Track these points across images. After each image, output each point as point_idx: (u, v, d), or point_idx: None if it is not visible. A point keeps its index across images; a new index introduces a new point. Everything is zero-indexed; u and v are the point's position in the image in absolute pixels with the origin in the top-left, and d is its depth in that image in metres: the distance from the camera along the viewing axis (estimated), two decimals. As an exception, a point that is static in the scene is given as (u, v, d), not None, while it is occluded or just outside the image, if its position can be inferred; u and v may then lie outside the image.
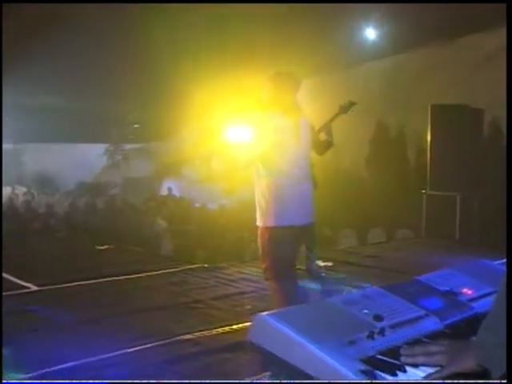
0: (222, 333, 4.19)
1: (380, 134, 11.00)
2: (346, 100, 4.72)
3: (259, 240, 3.79)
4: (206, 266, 6.28)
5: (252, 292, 5.18)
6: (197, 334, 4.10)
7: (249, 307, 4.62)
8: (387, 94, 10.75)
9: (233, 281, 5.61)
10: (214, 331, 4.21)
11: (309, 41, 10.10)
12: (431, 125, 7.86)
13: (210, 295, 5.13)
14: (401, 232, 8.91)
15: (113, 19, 9.43)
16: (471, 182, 7.70)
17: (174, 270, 6.11)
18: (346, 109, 4.72)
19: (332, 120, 4.51)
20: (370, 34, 10.75)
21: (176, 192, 13.81)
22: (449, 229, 7.62)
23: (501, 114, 8.13)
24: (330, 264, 6.38)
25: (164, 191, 14.03)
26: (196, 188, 13.71)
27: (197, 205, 12.39)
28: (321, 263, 6.55)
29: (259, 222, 3.75)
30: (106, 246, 7.24)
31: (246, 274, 5.82)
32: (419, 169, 10.33)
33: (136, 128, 15.51)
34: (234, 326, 4.24)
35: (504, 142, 8.35)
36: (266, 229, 3.70)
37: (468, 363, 1.38)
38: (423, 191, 8.07)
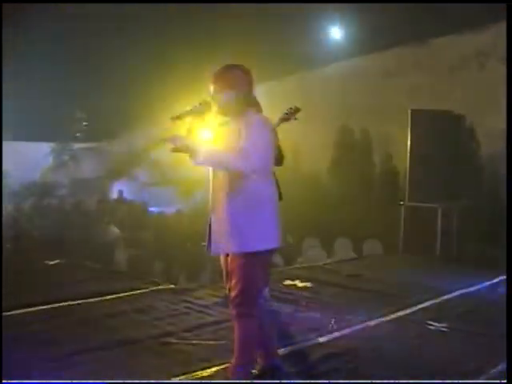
0: (202, 376, 3.60)
1: (343, 138, 10.56)
2: (292, 105, 4.26)
3: (229, 265, 3.20)
4: (173, 287, 5.63)
5: (227, 321, 4.56)
6: (175, 380, 3.49)
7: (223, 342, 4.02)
8: (352, 97, 10.33)
9: (206, 307, 4.97)
10: (193, 375, 3.61)
11: (269, 41, 9.64)
12: (411, 131, 7.41)
13: (183, 326, 4.45)
14: (370, 243, 8.48)
15: (61, 15, 8.90)
16: (452, 192, 7.31)
17: (137, 292, 5.42)
18: (290, 115, 4.24)
19: (276, 126, 3.94)
20: (336, 34, 10.33)
21: (127, 195, 13.05)
22: (429, 244, 7.21)
23: (478, 120, 7.78)
24: (309, 285, 5.85)
25: (114, 194, 13.24)
26: (149, 191, 13.02)
27: (151, 209, 11.70)
28: (299, 283, 6.03)
29: (230, 247, 3.15)
30: (56, 261, 6.45)
31: (218, 297, 5.20)
32: (386, 175, 9.97)
33: (85, 126, 14.60)
34: (214, 368, 3.65)
35: (481, 151, 8.02)
36: (244, 254, 3.13)
37: None
38: (401, 202, 7.61)
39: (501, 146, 7.89)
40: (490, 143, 7.92)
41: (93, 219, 10.26)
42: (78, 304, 4.95)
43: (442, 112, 7.36)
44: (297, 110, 4.20)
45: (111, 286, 5.54)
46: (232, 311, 3.27)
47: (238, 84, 3.23)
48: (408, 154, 7.51)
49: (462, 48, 8.83)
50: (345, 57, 10.30)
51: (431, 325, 4.55)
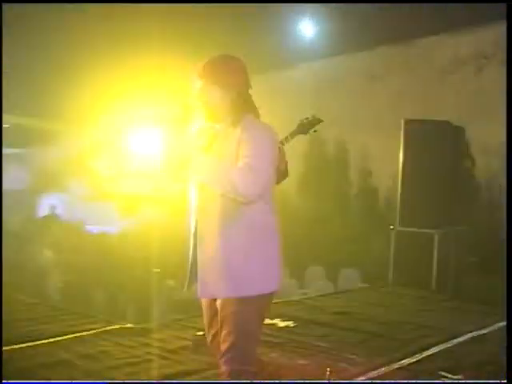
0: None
1: (315, 150, 10.30)
2: (309, 114, 3.91)
3: (220, 312, 2.80)
4: (129, 326, 5.11)
5: (201, 371, 4.12)
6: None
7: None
8: (325, 103, 10.07)
9: (172, 352, 4.50)
10: None
11: (234, 38, 9.32)
12: (404, 144, 7.14)
13: (145, 376, 4.02)
14: (347, 272, 8.18)
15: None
16: (450, 216, 7.05)
17: (82, 333, 4.88)
18: (307, 127, 3.91)
19: (286, 141, 3.71)
20: (307, 30, 10.05)
21: (61, 211, 12.38)
22: (423, 275, 6.92)
23: (473, 132, 7.57)
24: (291, 324, 5.46)
25: (45, 210, 12.54)
26: (87, 206, 12.41)
27: (89, 228, 11.12)
28: (279, 323, 5.62)
29: (225, 290, 2.76)
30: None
31: (185, 340, 4.75)
32: (365, 195, 9.72)
33: (6, 129, 13.82)
34: None
35: (476, 168, 7.82)
36: (241, 299, 2.74)
37: None
38: (391, 227, 7.30)
39: (498, 163, 7.77)
40: (487, 160, 7.74)
41: (20, 240, 9.61)
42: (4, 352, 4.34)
43: (439, 123, 7.11)
44: (316, 120, 3.86)
45: (48, 327, 5.00)
46: (222, 367, 2.81)
47: (236, 80, 2.83)
48: (400, 172, 7.23)
49: (457, 49, 8.66)
50: (321, 56, 10.02)
51: (445, 376, 4.21)
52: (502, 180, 7.54)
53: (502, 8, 7.33)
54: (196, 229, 2.84)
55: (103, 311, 6.38)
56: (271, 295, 2.87)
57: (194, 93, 2.83)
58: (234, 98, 2.80)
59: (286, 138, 3.81)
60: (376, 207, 9.49)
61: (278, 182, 4.41)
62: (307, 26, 9.79)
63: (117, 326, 5.12)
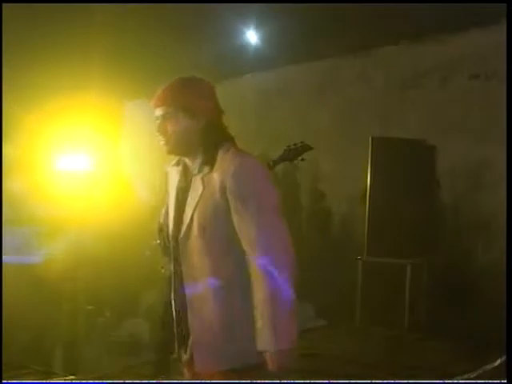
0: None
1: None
2: (296, 141, 3.94)
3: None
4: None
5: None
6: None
7: None
8: (273, 118, 9.91)
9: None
10: None
11: (165, 48, 9.06)
12: (372, 165, 7.01)
13: None
14: (300, 307, 7.93)
15: None
16: (422, 245, 6.95)
17: None
18: (294, 154, 3.94)
19: (271, 167, 3.76)
20: (251, 37, 9.85)
21: (-31, 238, 11.74)
22: (393, 311, 6.76)
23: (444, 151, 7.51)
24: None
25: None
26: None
27: (6, 259, 10.54)
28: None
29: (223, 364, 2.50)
30: None
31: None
32: (317, 220, 9.56)
33: None
34: None
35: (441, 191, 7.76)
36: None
37: None
38: (358, 257, 7.14)
39: (466, 186, 7.75)
40: (453, 181, 7.70)
41: None
42: None
43: (411, 142, 7.02)
44: (304, 147, 3.70)
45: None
46: None
47: (204, 105, 2.54)
48: (368, 194, 7.08)
49: (418, 60, 8.64)
50: (266, 67, 9.85)
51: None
52: (470, 203, 7.55)
53: (471, 16, 7.43)
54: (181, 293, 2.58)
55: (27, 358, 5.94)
56: None
57: (155, 124, 2.56)
58: (202, 126, 2.52)
59: (268, 164, 3.69)
60: (330, 232, 9.35)
61: None
62: (253, 35, 9.59)
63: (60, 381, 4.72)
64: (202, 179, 2.47)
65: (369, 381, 2.34)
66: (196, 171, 2.53)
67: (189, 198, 2.52)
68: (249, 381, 2.44)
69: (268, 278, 2.34)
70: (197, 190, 2.49)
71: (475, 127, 7.36)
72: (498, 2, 5.54)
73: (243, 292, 2.44)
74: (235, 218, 2.40)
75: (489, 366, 5.36)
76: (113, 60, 8.33)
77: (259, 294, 2.36)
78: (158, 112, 2.53)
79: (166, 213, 2.66)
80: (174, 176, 2.67)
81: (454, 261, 7.18)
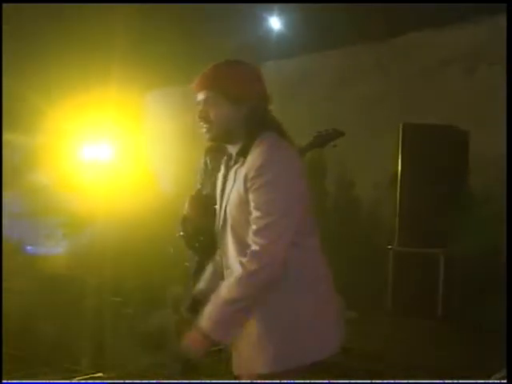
0: None
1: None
2: (328, 127, 3.81)
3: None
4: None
5: None
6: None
7: None
8: (294, 104, 9.62)
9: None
10: None
11: (190, 35, 8.84)
12: (402, 153, 6.76)
13: None
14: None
15: None
16: (455, 235, 6.68)
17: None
18: (326, 139, 3.82)
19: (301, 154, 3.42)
20: (274, 26, 9.58)
21: (-6, 229, 11.65)
22: (426, 302, 6.52)
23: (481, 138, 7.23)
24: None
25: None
26: (23, 223, 11.72)
27: (29, 248, 10.47)
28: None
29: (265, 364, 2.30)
30: None
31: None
32: (346, 208, 9.32)
33: None
34: None
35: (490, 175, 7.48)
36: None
37: None
38: (389, 247, 6.89)
39: (494, 176, 7.46)
40: (482, 172, 7.42)
41: None
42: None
43: (443, 128, 6.74)
44: (337, 133, 3.52)
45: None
46: None
47: (249, 90, 2.37)
48: (398, 183, 6.83)
49: (441, 48, 8.36)
50: (285, 55, 9.61)
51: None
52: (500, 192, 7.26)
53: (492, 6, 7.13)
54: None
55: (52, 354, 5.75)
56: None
57: (198, 106, 2.40)
58: (248, 113, 2.34)
59: (301, 150, 3.50)
60: (359, 222, 9.11)
61: None
62: (274, 23, 9.33)
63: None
64: (235, 172, 2.34)
65: (369, 381, 2.20)
66: (233, 162, 2.40)
67: (226, 190, 2.40)
68: (249, 381, 2.35)
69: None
70: (230, 182, 2.37)
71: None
72: (498, 2, 5.43)
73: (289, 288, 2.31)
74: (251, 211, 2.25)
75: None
76: (133, 51, 8.18)
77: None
78: (200, 96, 2.37)
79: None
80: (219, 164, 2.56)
81: (485, 250, 6.92)
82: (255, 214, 2.21)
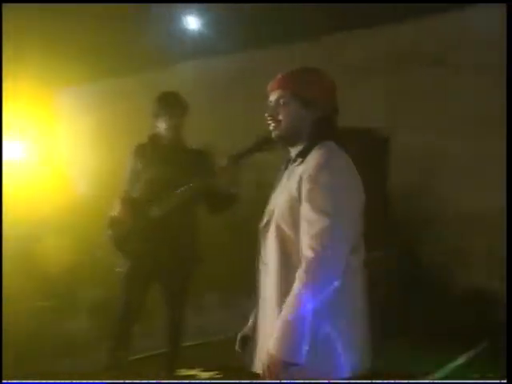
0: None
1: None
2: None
3: None
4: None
5: None
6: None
7: None
8: (218, 107, 9.45)
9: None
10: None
11: (99, 36, 8.54)
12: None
13: None
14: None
15: None
16: (376, 237, 6.65)
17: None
18: (268, 143, 3.53)
19: (240, 157, 3.45)
20: (193, 24, 9.35)
21: None
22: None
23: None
24: (215, 375, 4.80)
25: None
26: None
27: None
28: (200, 374, 4.90)
29: None
30: None
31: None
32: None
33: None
34: None
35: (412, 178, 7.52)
36: None
37: None
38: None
39: (418, 177, 7.52)
40: (405, 171, 7.47)
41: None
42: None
43: (364, 131, 6.71)
44: None
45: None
46: None
47: (324, 97, 2.39)
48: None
49: (368, 46, 8.37)
50: (206, 54, 9.40)
51: None
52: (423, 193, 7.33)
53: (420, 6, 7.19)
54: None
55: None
56: None
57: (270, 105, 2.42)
58: (316, 119, 2.35)
59: (241, 154, 3.43)
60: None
61: (224, 208, 4.23)
62: (195, 20, 9.09)
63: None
64: (291, 171, 2.34)
65: (369, 381, 2.10)
66: (291, 162, 2.38)
67: (277, 189, 2.39)
68: (248, 381, 2.37)
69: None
70: (283, 181, 2.37)
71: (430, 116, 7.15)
72: (498, 2, 5.51)
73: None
74: (301, 218, 2.19)
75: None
76: (45, 48, 7.82)
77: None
78: (273, 96, 2.41)
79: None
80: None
81: (406, 253, 6.98)
82: (310, 215, 2.15)
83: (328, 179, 2.17)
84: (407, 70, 7.73)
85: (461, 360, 5.48)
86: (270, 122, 2.40)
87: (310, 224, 2.13)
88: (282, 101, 2.36)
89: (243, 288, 7.44)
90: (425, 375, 4.74)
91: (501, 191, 6.46)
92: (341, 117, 7.06)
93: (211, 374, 4.83)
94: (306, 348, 2.07)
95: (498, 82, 5.84)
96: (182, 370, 4.73)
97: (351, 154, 2.41)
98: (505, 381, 2.46)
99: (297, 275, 2.11)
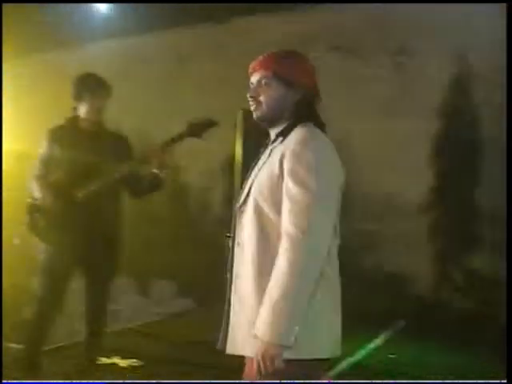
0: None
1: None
2: (202, 117, 3.73)
3: None
4: None
5: None
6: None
7: None
8: (127, 90, 9.13)
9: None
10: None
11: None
12: (244, 140, 6.58)
13: None
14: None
15: None
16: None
17: None
18: (199, 128, 3.72)
19: (171, 143, 3.64)
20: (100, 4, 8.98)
21: None
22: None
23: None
24: (135, 363, 4.68)
25: None
26: None
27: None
28: (120, 362, 4.75)
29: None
30: None
31: None
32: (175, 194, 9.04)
33: None
34: None
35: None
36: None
37: None
38: (228, 235, 6.66)
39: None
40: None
41: None
42: None
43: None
44: (211, 122, 3.68)
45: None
46: None
47: (306, 79, 2.36)
48: (240, 170, 6.67)
49: (276, 32, 8.36)
50: (120, 34, 9.08)
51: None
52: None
53: None
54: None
55: None
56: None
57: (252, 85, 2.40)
58: (298, 99, 2.34)
59: (173, 139, 3.62)
60: (189, 209, 8.92)
61: (147, 193, 4.23)
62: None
63: None
64: (271, 150, 2.29)
65: (369, 381, 2.13)
66: (271, 142, 2.35)
67: (255, 167, 2.34)
68: (248, 381, 2.25)
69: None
70: (263, 158, 2.32)
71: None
72: (498, 2, 5.57)
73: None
74: (283, 193, 2.14)
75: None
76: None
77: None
78: (255, 77, 2.39)
79: None
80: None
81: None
82: (293, 192, 2.10)
83: (311, 155, 2.14)
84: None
85: (379, 341, 5.60)
86: (251, 102, 2.37)
87: (294, 200, 2.09)
88: (263, 81, 2.34)
89: (161, 274, 7.34)
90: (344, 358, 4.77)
91: (422, 176, 6.74)
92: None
93: (129, 361, 4.70)
94: (296, 328, 2.03)
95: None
96: (103, 359, 4.59)
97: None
98: (505, 381, 2.53)
99: (280, 253, 2.07)
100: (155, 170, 3.91)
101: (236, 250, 2.30)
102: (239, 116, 6.63)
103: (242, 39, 8.53)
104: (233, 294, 2.28)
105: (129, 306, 6.50)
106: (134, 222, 7.37)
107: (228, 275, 2.34)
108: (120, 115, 7.13)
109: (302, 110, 2.32)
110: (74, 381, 3.63)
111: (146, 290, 7.26)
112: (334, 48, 7.77)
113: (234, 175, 6.80)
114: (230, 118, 7.35)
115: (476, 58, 6.48)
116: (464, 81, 6.49)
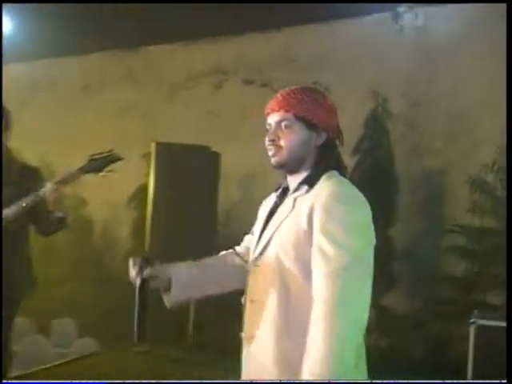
0: None
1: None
2: (105, 151, 3.44)
3: None
4: None
5: None
6: None
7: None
8: (27, 114, 8.70)
9: None
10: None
11: None
12: (156, 173, 6.33)
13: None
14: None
15: None
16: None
17: None
18: (101, 164, 3.42)
19: (67, 182, 3.39)
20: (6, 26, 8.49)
21: None
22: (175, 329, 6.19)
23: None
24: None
25: None
26: None
27: None
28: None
29: None
30: None
31: None
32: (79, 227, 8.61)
33: None
34: None
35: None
36: None
37: None
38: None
39: (240, 194, 7.44)
40: (230, 188, 7.37)
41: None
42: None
43: (195, 148, 6.46)
44: (115, 157, 3.39)
45: None
46: None
47: (329, 121, 2.14)
48: (152, 199, 6.40)
49: (191, 61, 8.22)
50: (24, 58, 8.68)
51: None
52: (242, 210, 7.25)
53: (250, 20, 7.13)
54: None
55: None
56: None
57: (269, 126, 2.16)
58: (322, 143, 2.13)
59: (72, 174, 3.38)
60: (92, 243, 8.54)
61: (52, 232, 3.85)
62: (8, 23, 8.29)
63: None
64: (295, 199, 2.07)
65: (369, 381, 1.99)
66: (292, 190, 2.13)
67: (275, 217, 2.11)
68: (248, 380, 2.14)
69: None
70: (286, 209, 2.09)
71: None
72: (498, 2, 5.54)
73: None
74: (313, 252, 1.94)
75: None
76: None
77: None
78: (272, 118, 2.14)
79: None
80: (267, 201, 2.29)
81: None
82: (326, 250, 1.90)
83: (346, 212, 1.94)
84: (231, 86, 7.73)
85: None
86: (269, 147, 2.12)
87: (327, 260, 1.88)
88: (284, 124, 2.10)
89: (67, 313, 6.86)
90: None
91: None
92: (159, 130, 6.83)
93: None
94: None
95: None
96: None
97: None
98: (505, 381, 2.42)
99: (313, 321, 1.86)
100: (60, 214, 3.61)
101: (249, 307, 2.11)
102: (153, 148, 6.42)
103: (151, 67, 8.35)
104: (245, 352, 2.12)
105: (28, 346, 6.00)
106: (35, 257, 6.93)
107: (242, 334, 2.14)
108: (20, 143, 6.74)
109: (326, 156, 2.13)
110: (74, 381, 3.23)
111: (46, 329, 6.77)
112: (247, 82, 7.68)
113: (147, 208, 6.52)
114: (137, 148, 7.14)
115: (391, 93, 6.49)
116: (379, 117, 6.46)
